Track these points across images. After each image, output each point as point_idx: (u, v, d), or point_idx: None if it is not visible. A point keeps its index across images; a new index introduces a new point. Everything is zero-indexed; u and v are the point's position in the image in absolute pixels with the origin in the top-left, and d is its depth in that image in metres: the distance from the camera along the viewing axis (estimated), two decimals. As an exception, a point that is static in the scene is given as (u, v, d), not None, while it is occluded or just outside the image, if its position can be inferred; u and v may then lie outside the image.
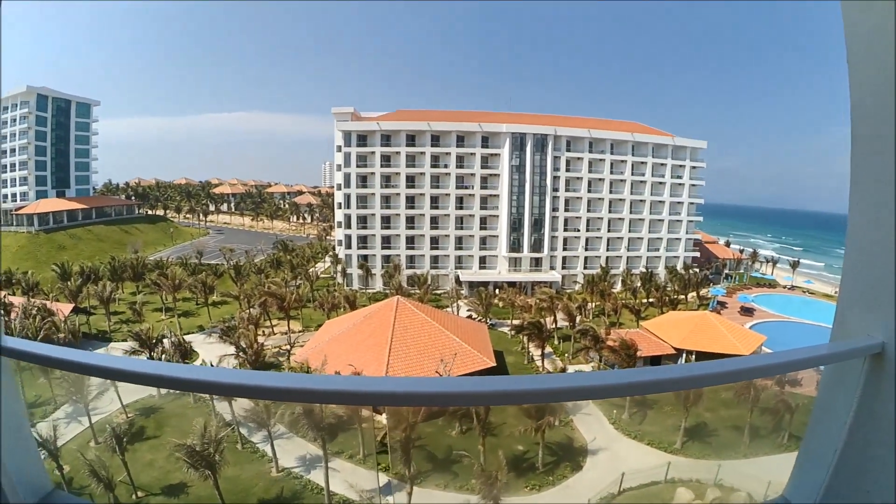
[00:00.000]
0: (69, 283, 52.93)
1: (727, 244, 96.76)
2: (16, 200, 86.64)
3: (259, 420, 26.49)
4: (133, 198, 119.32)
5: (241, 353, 35.82)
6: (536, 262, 72.04)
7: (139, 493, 24.13)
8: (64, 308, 46.05)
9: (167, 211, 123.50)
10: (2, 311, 42.39)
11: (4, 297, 47.57)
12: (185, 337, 41.74)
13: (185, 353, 37.10)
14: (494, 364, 35.70)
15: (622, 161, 73.51)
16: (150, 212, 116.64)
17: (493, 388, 1.51)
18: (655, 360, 40.55)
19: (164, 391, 32.02)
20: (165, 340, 37.87)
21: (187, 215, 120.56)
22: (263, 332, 47.08)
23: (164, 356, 36.17)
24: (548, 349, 43.29)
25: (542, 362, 41.35)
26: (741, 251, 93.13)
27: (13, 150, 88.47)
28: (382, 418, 28.90)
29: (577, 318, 47.38)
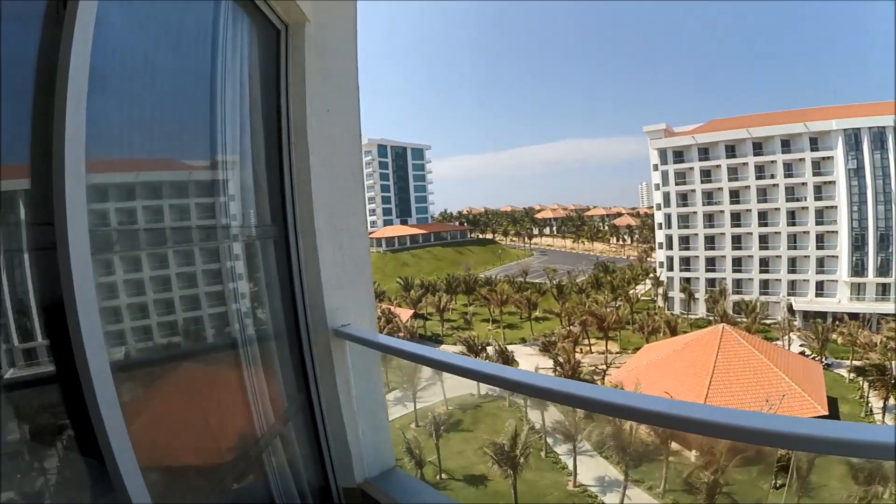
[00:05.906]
0: (410, 293, 61.53)
1: None
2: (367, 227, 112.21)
3: (567, 433, 26.89)
4: (465, 224, 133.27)
5: (558, 367, 36.82)
6: (884, 289, 55.45)
7: (443, 475, 27.09)
8: (405, 313, 53.51)
9: (495, 235, 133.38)
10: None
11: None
12: (507, 346, 44.36)
13: (506, 360, 39.25)
14: (827, 413, 30.23)
15: None
16: (480, 236, 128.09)
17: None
18: None
19: (483, 391, 35.52)
20: (489, 347, 41.18)
21: (513, 238, 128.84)
22: (581, 349, 47.35)
23: (487, 361, 40.63)
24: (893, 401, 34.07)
25: (883, 416, 32.87)
26: None
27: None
28: (692, 455, 26.41)
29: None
